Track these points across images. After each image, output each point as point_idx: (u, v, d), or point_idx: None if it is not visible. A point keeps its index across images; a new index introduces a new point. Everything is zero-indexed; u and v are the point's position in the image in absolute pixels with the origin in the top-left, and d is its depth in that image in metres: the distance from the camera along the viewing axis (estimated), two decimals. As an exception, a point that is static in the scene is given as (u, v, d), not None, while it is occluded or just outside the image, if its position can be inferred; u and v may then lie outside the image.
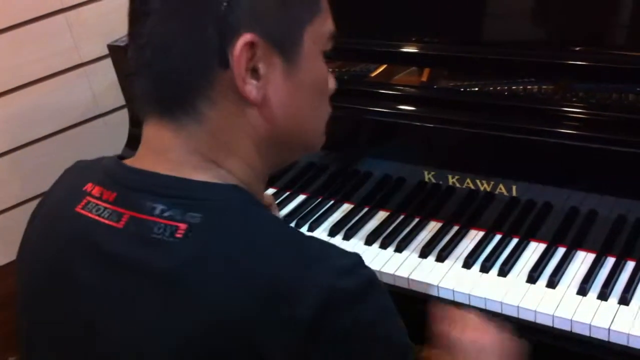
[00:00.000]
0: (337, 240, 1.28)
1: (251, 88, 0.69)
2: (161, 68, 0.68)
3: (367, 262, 1.23)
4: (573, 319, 1.03)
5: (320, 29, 0.73)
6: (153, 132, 0.71)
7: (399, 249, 1.23)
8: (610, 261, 1.13)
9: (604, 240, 1.15)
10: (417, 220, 1.29)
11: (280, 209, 1.39)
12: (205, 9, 0.67)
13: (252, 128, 0.71)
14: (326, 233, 1.30)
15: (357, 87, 1.37)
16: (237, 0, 0.67)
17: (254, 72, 0.69)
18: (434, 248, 1.21)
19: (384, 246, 1.24)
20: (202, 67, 0.68)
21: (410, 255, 1.21)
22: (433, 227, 1.27)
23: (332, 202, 1.38)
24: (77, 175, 0.78)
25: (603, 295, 1.06)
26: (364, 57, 1.44)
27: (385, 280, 1.18)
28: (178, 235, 0.65)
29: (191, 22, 0.67)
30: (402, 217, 1.31)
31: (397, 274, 1.17)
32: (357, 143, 1.36)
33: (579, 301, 1.06)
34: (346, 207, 1.36)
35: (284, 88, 0.71)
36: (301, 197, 1.43)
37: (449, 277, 1.15)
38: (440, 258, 1.19)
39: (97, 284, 0.68)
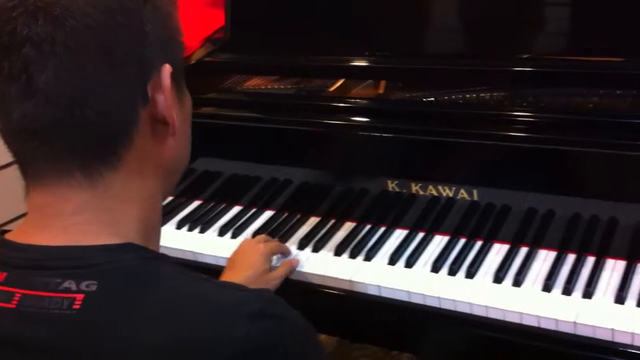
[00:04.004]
0: (307, 252, 1.30)
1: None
2: (79, 122, 0.64)
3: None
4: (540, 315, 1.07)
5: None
6: (52, 196, 0.67)
7: (368, 258, 1.26)
8: (570, 258, 1.18)
9: (562, 238, 1.20)
10: (383, 229, 1.32)
11: (251, 226, 1.40)
12: (123, 48, 0.65)
13: (157, 163, 0.72)
14: (295, 246, 1.32)
15: (317, 102, 1.41)
16: (149, 33, 0.67)
17: None
18: (401, 255, 1.25)
19: (352, 256, 1.27)
20: (129, 110, 0.67)
21: (381, 262, 1.24)
22: (399, 235, 1.31)
23: (298, 216, 1.41)
24: None
25: (567, 291, 1.10)
26: (319, 73, 1.47)
27: (358, 289, 1.21)
28: (75, 307, 0.63)
29: (108, 65, 0.64)
30: (368, 227, 1.34)
31: (368, 282, 1.20)
32: (317, 157, 1.38)
33: (545, 297, 1.11)
34: (313, 220, 1.39)
35: (179, 114, 0.72)
36: (269, 213, 1.44)
37: (418, 282, 1.18)
38: (409, 264, 1.23)
39: None
